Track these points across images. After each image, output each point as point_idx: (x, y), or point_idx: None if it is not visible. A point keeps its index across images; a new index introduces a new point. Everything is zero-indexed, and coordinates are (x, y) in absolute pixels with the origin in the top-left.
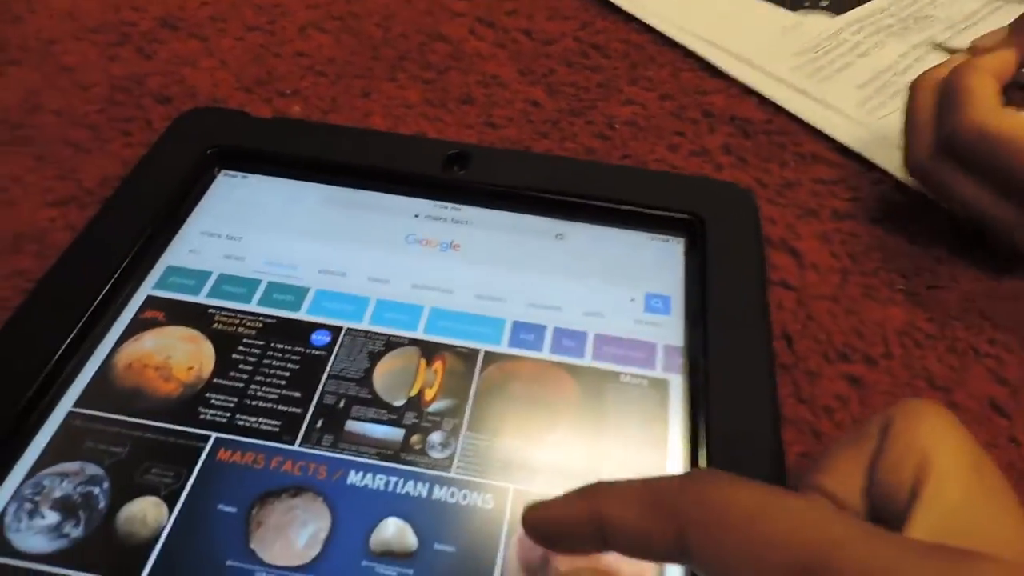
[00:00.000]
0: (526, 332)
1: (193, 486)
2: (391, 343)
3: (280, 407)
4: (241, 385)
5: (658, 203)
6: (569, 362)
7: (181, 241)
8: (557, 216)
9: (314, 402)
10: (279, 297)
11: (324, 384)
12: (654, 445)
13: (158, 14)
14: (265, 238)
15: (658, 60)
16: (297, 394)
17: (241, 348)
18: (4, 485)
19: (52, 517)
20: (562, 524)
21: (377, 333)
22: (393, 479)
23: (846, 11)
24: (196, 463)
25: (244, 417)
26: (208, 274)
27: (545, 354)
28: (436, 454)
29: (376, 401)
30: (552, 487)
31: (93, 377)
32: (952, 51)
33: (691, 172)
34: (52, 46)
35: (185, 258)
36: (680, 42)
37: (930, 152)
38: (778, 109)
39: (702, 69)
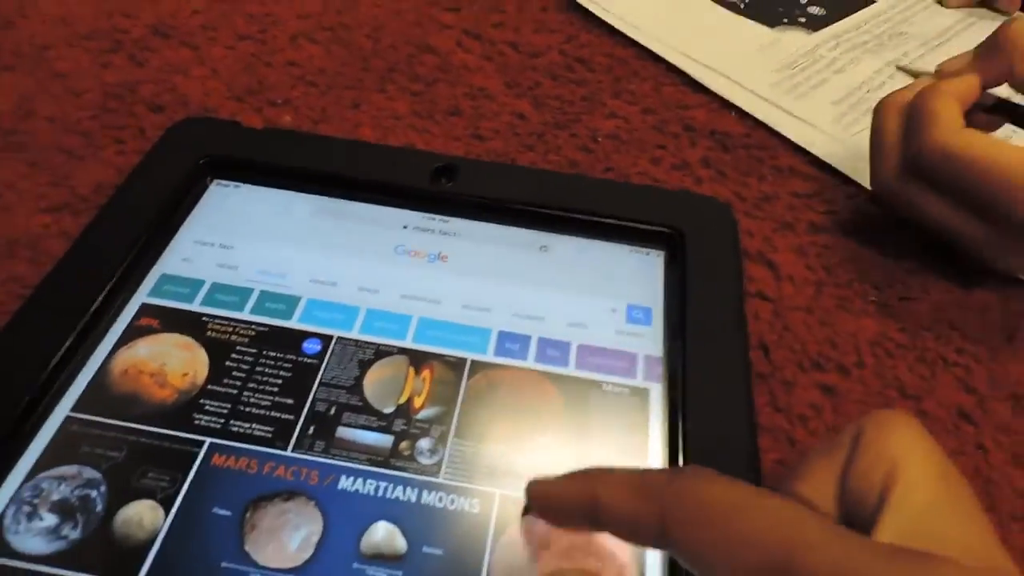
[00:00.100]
0: (511, 342)
1: (188, 490)
2: (381, 352)
3: (273, 413)
4: (235, 392)
5: (639, 216)
6: (553, 371)
7: (175, 250)
8: (542, 228)
9: (306, 409)
10: (271, 306)
11: (316, 391)
12: (635, 452)
13: (150, 22)
14: (257, 247)
15: (641, 74)
16: (289, 401)
17: (234, 355)
18: (3, 488)
19: (50, 519)
20: (561, 498)
21: (367, 342)
22: (383, 484)
23: (823, 28)
24: (191, 468)
25: (238, 423)
26: (201, 283)
27: (530, 363)
28: (425, 460)
29: (366, 408)
30: None
31: (90, 383)
32: (915, 73)
33: (672, 185)
34: (45, 52)
35: (179, 266)
36: (663, 56)
37: (896, 172)
38: (757, 123)
39: (684, 84)
